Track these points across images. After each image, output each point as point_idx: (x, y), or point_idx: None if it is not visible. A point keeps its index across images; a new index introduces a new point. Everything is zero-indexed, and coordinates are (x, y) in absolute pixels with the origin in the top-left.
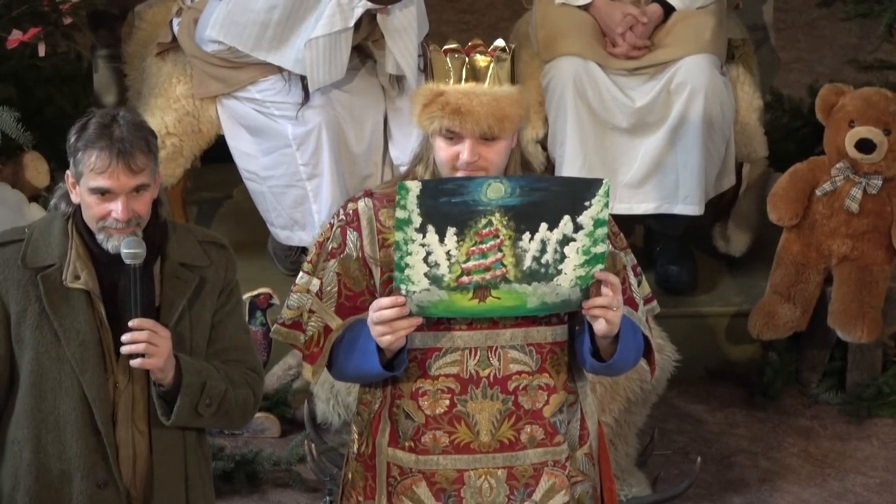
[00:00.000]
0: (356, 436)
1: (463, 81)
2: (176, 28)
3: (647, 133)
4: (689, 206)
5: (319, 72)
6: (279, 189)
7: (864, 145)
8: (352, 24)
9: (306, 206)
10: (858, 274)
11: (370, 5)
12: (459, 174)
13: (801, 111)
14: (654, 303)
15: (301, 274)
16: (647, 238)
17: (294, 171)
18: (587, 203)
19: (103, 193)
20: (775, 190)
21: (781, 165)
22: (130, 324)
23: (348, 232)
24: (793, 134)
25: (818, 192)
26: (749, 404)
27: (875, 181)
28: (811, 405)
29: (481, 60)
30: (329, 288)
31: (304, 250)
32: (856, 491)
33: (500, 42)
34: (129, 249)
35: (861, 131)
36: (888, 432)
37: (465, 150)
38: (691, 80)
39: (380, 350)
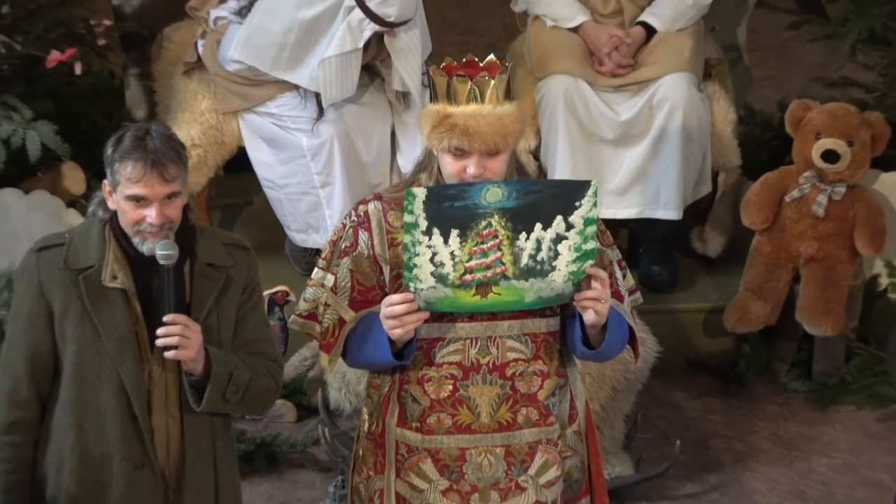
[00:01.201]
0: (367, 416)
1: (468, 102)
2: (200, 49)
3: (631, 144)
4: (669, 211)
5: (332, 89)
6: (295, 196)
7: (830, 156)
8: (361, 44)
9: (320, 211)
10: (824, 273)
11: (378, 27)
12: None
13: (772, 124)
14: (638, 294)
15: (316, 270)
16: (631, 240)
17: (308, 180)
18: (577, 203)
19: (138, 200)
20: (748, 196)
21: (754, 174)
22: (165, 318)
23: (360, 232)
24: (764, 145)
25: (787, 199)
26: (724, 392)
27: (839, 189)
28: (780, 393)
29: (484, 83)
30: (343, 283)
31: (317, 252)
32: (821, 471)
33: (491, 57)
34: (163, 251)
35: (827, 143)
36: (850, 418)
37: (472, 165)
38: (671, 96)
39: (391, 341)
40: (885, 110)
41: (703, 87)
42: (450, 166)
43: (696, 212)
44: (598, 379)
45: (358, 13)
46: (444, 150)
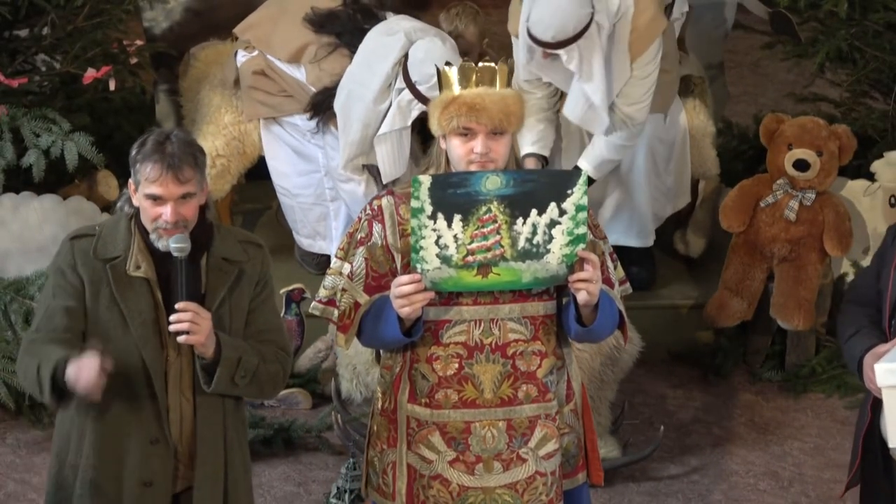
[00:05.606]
0: (380, 395)
1: (476, 85)
2: (241, 60)
3: (605, 185)
4: (641, 239)
5: (389, 164)
6: (306, 205)
7: (801, 165)
8: (409, 123)
9: (327, 221)
10: (795, 272)
11: (425, 108)
12: (473, 167)
13: (748, 136)
14: (627, 284)
15: (334, 259)
16: (614, 245)
17: (321, 192)
18: (569, 192)
19: (155, 199)
20: (726, 202)
21: (731, 181)
22: (177, 306)
23: (374, 224)
24: (741, 155)
25: (762, 204)
26: (704, 381)
27: (809, 195)
28: (756, 382)
29: (489, 69)
30: (358, 270)
31: (325, 255)
32: (793, 454)
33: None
34: (176, 244)
35: (798, 153)
36: (820, 405)
37: (478, 144)
38: (638, 141)
39: (400, 319)
40: (851, 123)
41: (682, 104)
42: (458, 149)
43: (679, 217)
44: (588, 371)
45: (407, 94)
46: (453, 131)
